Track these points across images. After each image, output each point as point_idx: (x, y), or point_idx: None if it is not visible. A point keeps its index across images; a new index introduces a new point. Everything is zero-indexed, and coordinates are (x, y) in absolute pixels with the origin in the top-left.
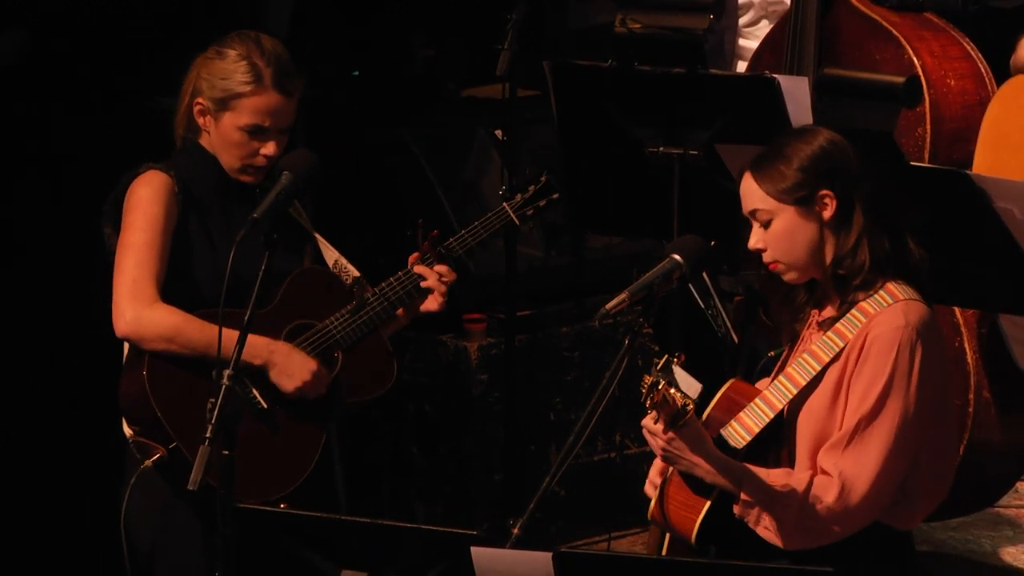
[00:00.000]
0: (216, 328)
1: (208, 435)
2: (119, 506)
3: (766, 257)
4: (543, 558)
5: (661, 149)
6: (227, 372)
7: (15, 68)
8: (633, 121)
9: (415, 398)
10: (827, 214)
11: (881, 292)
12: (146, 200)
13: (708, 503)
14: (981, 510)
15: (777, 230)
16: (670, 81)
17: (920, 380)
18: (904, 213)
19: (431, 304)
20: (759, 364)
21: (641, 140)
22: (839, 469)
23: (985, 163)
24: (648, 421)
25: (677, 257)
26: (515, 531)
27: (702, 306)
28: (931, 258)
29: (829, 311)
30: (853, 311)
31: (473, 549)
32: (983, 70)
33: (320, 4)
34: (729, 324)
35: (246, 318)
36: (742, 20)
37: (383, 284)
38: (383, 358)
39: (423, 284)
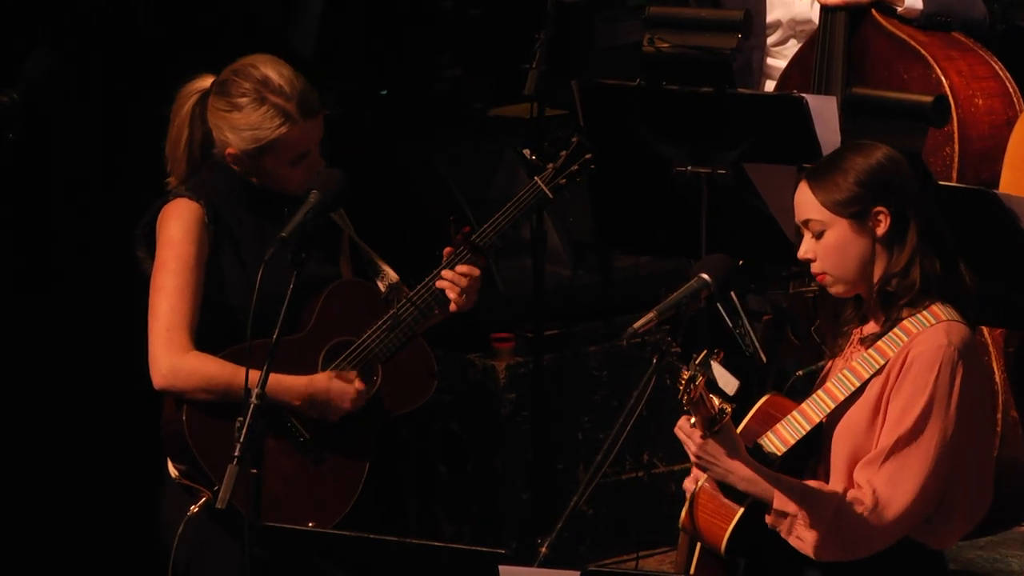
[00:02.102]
0: (253, 373)
1: (236, 454)
2: (167, 551)
3: (815, 268)
4: None
5: (689, 168)
6: (255, 391)
7: (43, 88)
8: (661, 140)
9: (442, 417)
10: (880, 231)
11: (925, 312)
12: (177, 238)
13: (740, 512)
14: (1009, 529)
15: (829, 242)
16: (698, 100)
17: (960, 400)
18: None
19: (452, 307)
20: (787, 384)
21: (669, 159)
22: (874, 485)
23: (1012, 182)
24: (684, 423)
25: (705, 276)
26: (543, 550)
27: (730, 325)
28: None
29: (872, 327)
30: (896, 329)
31: (501, 568)
32: (1011, 90)
33: (348, 23)
34: (757, 343)
35: (273, 336)
36: (771, 39)
37: (416, 289)
38: (423, 365)
39: (447, 293)
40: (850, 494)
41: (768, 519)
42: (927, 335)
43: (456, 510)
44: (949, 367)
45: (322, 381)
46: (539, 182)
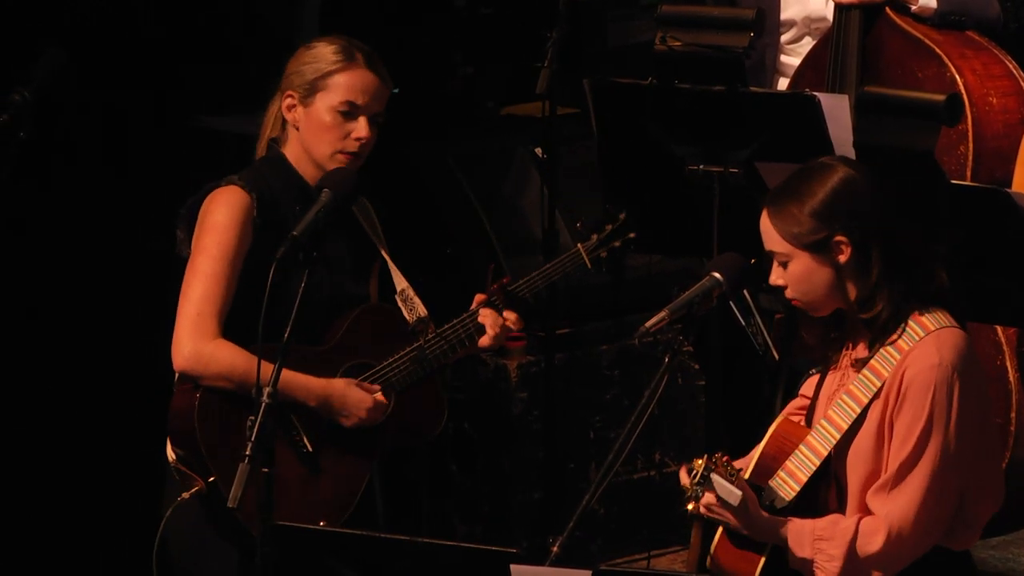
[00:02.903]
0: (274, 367)
1: (248, 452)
2: (155, 535)
3: (787, 294)
4: None
5: (701, 167)
6: (267, 390)
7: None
8: (673, 139)
9: (454, 416)
10: (843, 259)
11: (911, 325)
12: (221, 225)
13: (762, 561)
14: (1021, 528)
15: (794, 272)
16: (710, 99)
17: (960, 415)
18: (930, 237)
19: (484, 342)
20: (800, 382)
21: (681, 158)
22: (885, 511)
23: None
24: (687, 478)
25: (717, 275)
26: (554, 549)
27: (742, 324)
28: (960, 279)
29: (862, 350)
30: (886, 348)
31: (512, 567)
32: None
33: (359, 21)
34: (770, 342)
35: (284, 336)
36: (784, 37)
37: (445, 328)
38: (434, 403)
39: (487, 332)
40: (863, 525)
41: (790, 562)
42: (918, 353)
43: (468, 509)
44: (945, 386)
45: (340, 386)
46: (581, 250)
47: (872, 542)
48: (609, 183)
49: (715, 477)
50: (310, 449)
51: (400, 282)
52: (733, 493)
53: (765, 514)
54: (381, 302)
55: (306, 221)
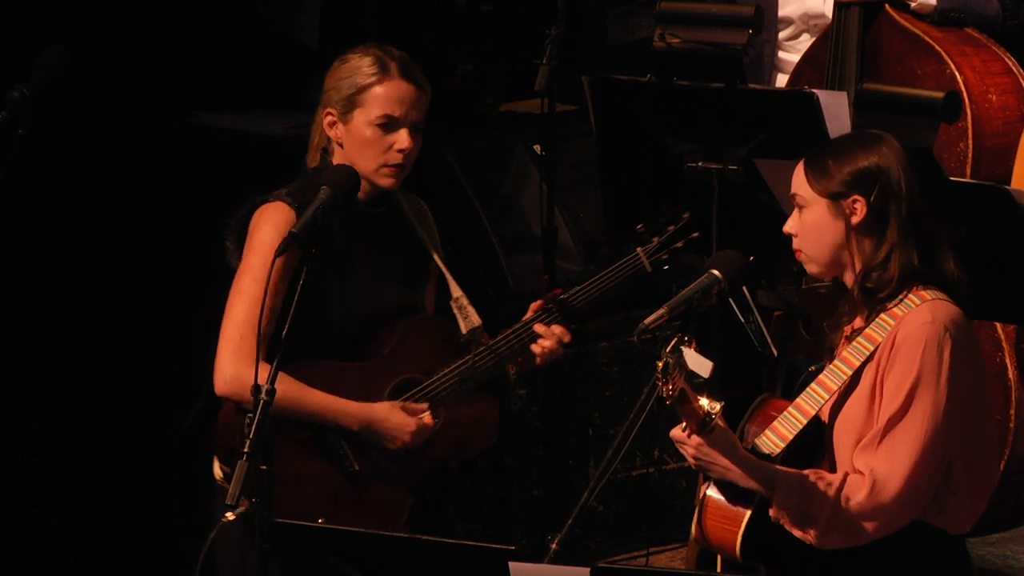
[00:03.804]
0: (314, 392)
1: (246, 450)
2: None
3: (794, 244)
4: (581, 573)
5: (700, 164)
6: (265, 388)
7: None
8: (672, 136)
9: None
10: (855, 219)
11: (910, 296)
12: (267, 244)
13: (748, 514)
14: (1020, 526)
15: (807, 220)
16: (709, 96)
17: (951, 374)
18: (947, 231)
19: (538, 354)
20: (799, 379)
21: (680, 155)
22: (870, 467)
23: None
24: (676, 432)
25: (716, 272)
26: (553, 546)
27: (741, 321)
28: (967, 277)
29: (859, 322)
30: (882, 316)
31: (511, 564)
32: None
33: (358, 18)
34: (768, 339)
35: (283, 333)
36: (783, 34)
37: (497, 340)
38: (488, 416)
39: (539, 344)
40: (849, 480)
41: (771, 512)
42: (912, 315)
43: (467, 506)
44: (936, 342)
45: (383, 410)
46: (640, 254)
47: (856, 496)
48: (608, 180)
49: (685, 349)
50: (356, 468)
51: (455, 290)
52: (704, 364)
53: (753, 457)
54: (431, 313)
55: (304, 219)
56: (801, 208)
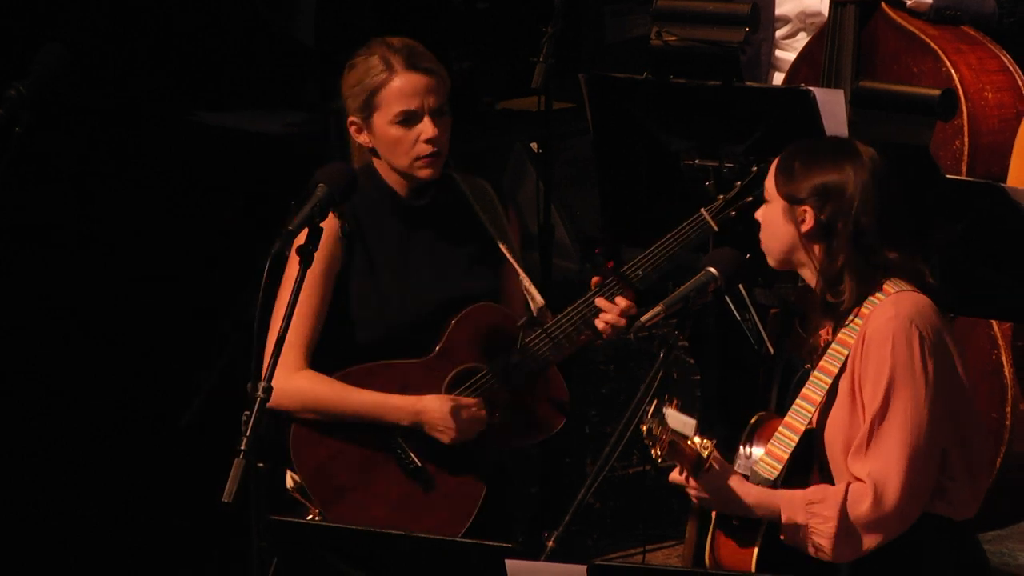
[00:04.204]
0: (359, 391)
1: (242, 447)
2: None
3: (760, 233)
4: (578, 571)
5: (697, 162)
6: (261, 385)
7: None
8: (668, 133)
9: None
10: (803, 228)
11: (875, 293)
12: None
13: (757, 545)
14: (1016, 523)
15: (766, 215)
16: (705, 94)
17: (924, 365)
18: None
19: (602, 328)
20: (795, 377)
21: (676, 153)
22: (867, 471)
23: (1020, 176)
24: (675, 475)
25: (712, 270)
26: (550, 544)
27: (738, 319)
28: (950, 275)
29: (830, 330)
30: (853, 320)
31: (508, 562)
32: (1020, 83)
33: (355, 16)
34: (765, 336)
35: (280, 329)
36: (780, 32)
37: (555, 320)
38: (555, 397)
39: (602, 319)
40: (851, 490)
41: (782, 537)
42: (877, 312)
43: None
44: (904, 336)
45: (433, 404)
46: (704, 214)
47: (862, 502)
48: (605, 178)
49: (667, 410)
50: (418, 464)
51: (520, 272)
52: (687, 423)
53: (753, 486)
54: (488, 301)
55: (301, 215)
56: (766, 201)
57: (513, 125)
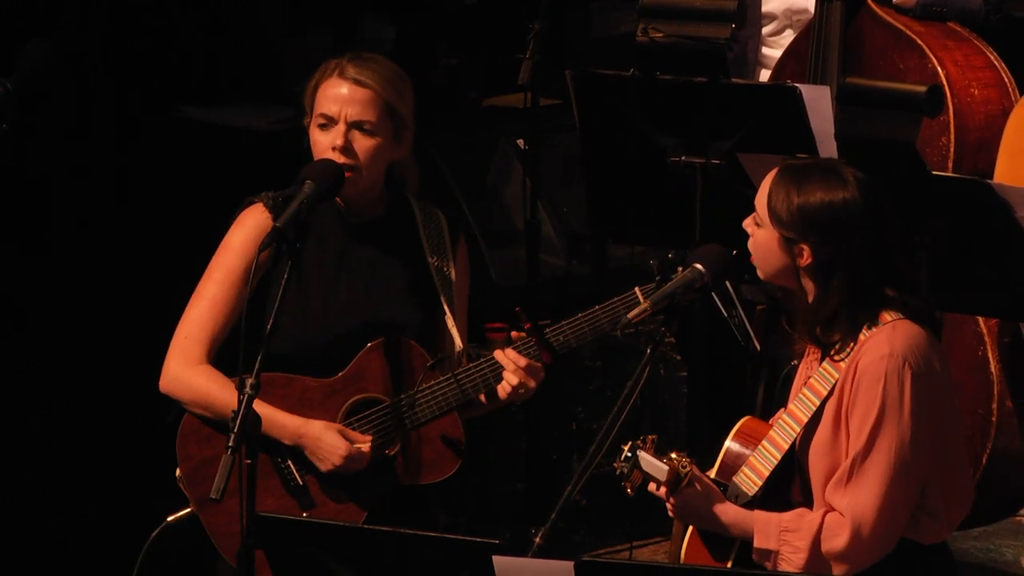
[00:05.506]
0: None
1: (230, 444)
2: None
3: (749, 244)
4: (565, 567)
5: (683, 158)
6: (249, 381)
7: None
8: (655, 130)
9: None
10: (801, 262)
11: (873, 322)
12: (232, 249)
13: (728, 565)
14: (1004, 519)
15: (759, 238)
16: (692, 90)
17: (913, 406)
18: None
19: (503, 390)
20: (782, 373)
21: (663, 149)
22: (845, 505)
23: (1007, 172)
24: (652, 489)
25: (699, 266)
26: (537, 540)
27: (724, 315)
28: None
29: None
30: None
31: (494, 558)
32: (1006, 79)
33: (343, 12)
34: (752, 333)
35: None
36: (766, 29)
37: (461, 369)
38: (451, 444)
39: (505, 375)
40: (827, 521)
41: (754, 556)
42: (871, 344)
43: (450, 500)
44: (896, 376)
45: (317, 430)
46: (637, 292)
47: (837, 537)
48: (591, 174)
49: (641, 454)
50: (300, 483)
51: (447, 309)
52: (660, 468)
53: (731, 505)
54: (418, 331)
55: (288, 213)
56: (757, 223)
57: (500, 121)
